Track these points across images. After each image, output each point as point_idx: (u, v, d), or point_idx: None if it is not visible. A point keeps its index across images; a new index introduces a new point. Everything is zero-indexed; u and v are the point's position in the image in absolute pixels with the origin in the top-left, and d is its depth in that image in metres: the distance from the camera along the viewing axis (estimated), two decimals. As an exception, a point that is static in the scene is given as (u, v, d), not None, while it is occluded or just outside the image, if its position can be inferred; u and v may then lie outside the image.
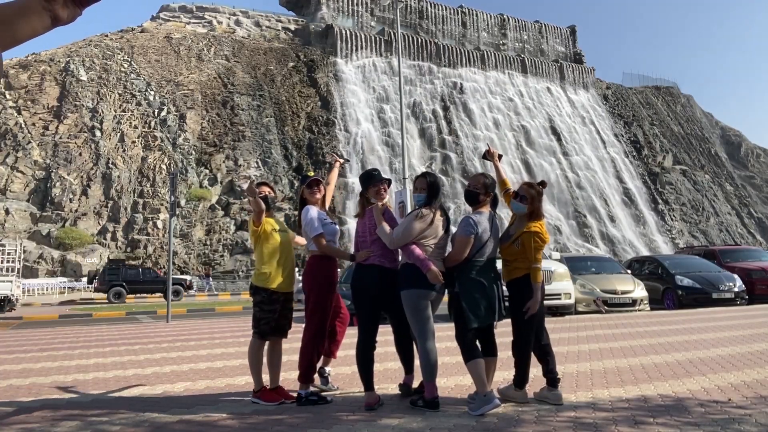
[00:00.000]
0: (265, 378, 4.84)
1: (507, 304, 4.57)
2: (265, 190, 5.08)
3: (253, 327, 4.86)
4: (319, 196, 5.01)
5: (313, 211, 4.83)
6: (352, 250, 4.91)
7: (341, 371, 5.84)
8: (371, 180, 4.79)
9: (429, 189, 4.59)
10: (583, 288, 13.04)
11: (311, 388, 4.72)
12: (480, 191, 4.57)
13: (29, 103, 41.11)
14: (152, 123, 42.87)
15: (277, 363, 4.89)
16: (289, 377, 5.42)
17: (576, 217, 50.61)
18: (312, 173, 5.16)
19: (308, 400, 4.55)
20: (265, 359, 4.86)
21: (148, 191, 39.31)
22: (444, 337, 5.08)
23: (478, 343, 4.49)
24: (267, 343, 4.87)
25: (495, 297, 4.39)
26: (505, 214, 4.78)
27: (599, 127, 61.98)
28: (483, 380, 4.16)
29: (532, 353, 4.54)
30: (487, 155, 5.26)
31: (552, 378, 4.46)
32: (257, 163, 43.36)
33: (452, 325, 4.51)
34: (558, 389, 4.44)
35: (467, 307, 4.32)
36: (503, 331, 4.93)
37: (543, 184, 4.81)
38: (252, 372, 4.79)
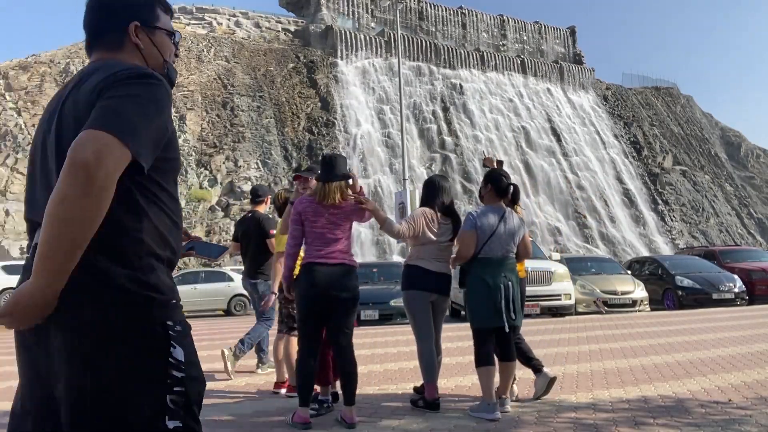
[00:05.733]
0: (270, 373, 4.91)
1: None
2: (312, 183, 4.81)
3: (278, 323, 5.06)
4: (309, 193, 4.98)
5: None
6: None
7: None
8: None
9: (424, 190, 4.63)
10: (583, 288, 13.03)
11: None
12: (482, 186, 4.55)
13: (29, 104, 41.09)
14: (152, 124, 42.89)
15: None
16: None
17: (576, 218, 50.56)
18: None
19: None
20: (281, 352, 4.99)
21: (148, 192, 39.34)
22: (444, 338, 5.06)
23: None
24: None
25: (500, 299, 4.11)
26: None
27: (599, 127, 61.90)
28: (489, 389, 4.05)
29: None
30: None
31: (534, 367, 4.53)
32: (257, 164, 43.36)
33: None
34: (542, 371, 4.50)
35: (469, 307, 4.32)
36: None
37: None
38: (286, 368, 4.94)
